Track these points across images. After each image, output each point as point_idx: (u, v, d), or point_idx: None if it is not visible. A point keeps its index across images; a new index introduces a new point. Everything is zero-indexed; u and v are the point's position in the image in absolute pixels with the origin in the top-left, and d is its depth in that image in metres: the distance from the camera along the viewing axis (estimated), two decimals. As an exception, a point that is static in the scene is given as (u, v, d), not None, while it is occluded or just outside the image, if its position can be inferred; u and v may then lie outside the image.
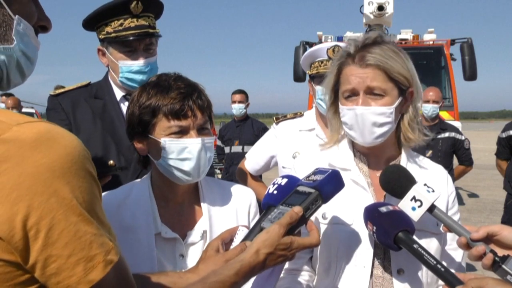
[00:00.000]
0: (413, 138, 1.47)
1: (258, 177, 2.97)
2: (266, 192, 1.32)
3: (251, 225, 1.39)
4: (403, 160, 1.49)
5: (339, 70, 1.46)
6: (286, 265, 1.39)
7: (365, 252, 1.39)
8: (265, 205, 1.29)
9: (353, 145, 1.53)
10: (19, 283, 0.71)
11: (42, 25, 0.91)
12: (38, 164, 0.68)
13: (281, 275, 1.39)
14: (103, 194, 0.83)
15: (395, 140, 1.50)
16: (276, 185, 1.31)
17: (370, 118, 1.38)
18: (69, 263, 0.70)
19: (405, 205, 1.29)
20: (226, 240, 1.28)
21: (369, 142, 1.42)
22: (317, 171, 1.28)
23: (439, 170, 1.57)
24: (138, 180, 1.54)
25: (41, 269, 0.70)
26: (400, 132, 1.48)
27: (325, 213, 1.43)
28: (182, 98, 1.34)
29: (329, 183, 1.22)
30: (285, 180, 1.32)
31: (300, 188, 1.24)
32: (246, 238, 1.22)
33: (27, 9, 0.86)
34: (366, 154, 1.52)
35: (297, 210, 1.14)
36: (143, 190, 1.46)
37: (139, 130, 1.39)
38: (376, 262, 1.40)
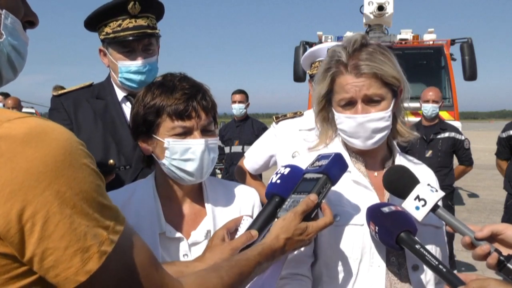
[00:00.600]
0: (406, 134, 1.50)
1: (257, 176, 2.95)
2: (269, 182, 1.33)
3: None
4: (397, 159, 1.51)
5: (333, 79, 1.46)
6: (290, 269, 1.39)
7: (379, 251, 1.39)
8: (269, 194, 1.30)
9: (347, 146, 1.53)
10: (16, 276, 0.71)
11: (29, 21, 0.91)
12: (31, 159, 0.68)
13: (286, 280, 1.39)
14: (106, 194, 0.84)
15: (386, 139, 1.51)
16: (279, 175, 1.32)
17: (371, 125, 1.40)
18: (67, 255, 0.70)
19: (409, 204, 1.29)
20: (231, 229, 1.31)
21: (369, 146, 1.44)
22: (320, 157, 1.30)
23: (427, 170, 1.60)
24: (143, 179, 1.54)
25: (39, 263, 0.70)
26: (391, 131, 1.49)
27: (335, 215, 1.41)
28: (186, 98, 1.34)
29: (335, 165, 1.25)
30: (287, 169, 1.33)
31: (308, 176, 1.27)
32: (250, 227, 1.24)
33: (14, 3, 0.85)
34: (362, 155, 1.52)
35: (313, 198, 1.18)
36: (147, 190, 1.46)
37: (143, 130, 1.39)
38: (391, 260, 1.40)
